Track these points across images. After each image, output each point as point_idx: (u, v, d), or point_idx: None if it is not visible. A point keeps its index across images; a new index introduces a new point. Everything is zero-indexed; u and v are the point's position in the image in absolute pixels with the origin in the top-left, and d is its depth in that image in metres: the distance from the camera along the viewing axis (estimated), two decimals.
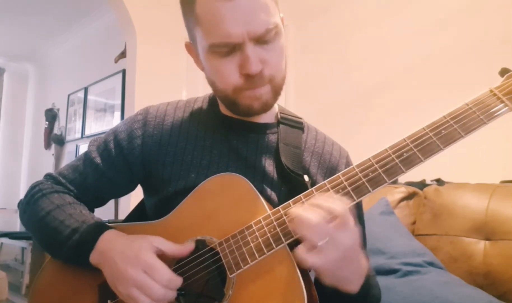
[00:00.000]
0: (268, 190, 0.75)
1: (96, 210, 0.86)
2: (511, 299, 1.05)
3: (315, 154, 0.82)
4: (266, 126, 0.81)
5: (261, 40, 0.67)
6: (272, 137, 0.80)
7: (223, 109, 0.82)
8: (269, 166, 0.77)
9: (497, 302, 0.95)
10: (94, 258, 0.70)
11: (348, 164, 0.84)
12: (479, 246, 1.17)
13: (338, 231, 0.57)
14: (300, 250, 0.58)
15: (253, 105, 0.72)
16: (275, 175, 0.77)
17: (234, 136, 0.79)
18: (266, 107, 0.73)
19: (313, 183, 0.78)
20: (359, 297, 0.65)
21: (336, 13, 2.35)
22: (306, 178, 0.74)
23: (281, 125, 0.81)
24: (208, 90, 0.87)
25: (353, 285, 0.64)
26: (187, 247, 0.67)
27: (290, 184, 0.75)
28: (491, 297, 0.97)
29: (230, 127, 0.80)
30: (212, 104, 0.84)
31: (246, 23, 0.65)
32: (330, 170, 0.82)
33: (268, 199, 0.74)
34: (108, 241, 0.70)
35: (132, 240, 0.68)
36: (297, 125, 0.84)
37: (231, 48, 0.67)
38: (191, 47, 0.78)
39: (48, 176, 0.85)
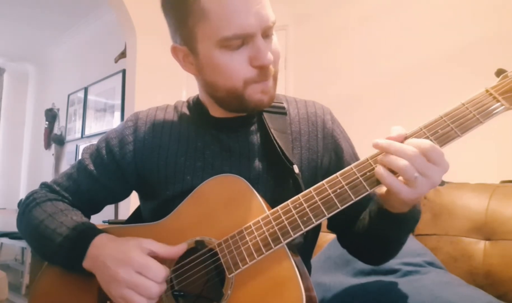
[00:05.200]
0: (265, 180, 0.76)
1: None
2: (511, 299, 1.05)
3: (302, 120, 0.83)
4: (252, 116, 0.81)
5: (267, 32, 0.69)
6: (259, 125, 0.80)
7: (212, 111, 0.81)
8: (262, 155, 0.78)
9: (497, 302, 0.94)
10: (86, 263, 0.70)
11: (333, 119, 0.86)
12: (479, 246, 1.17)
13: (433, 166, 0.59)
14: (394, 180, 0.59)
15: (263, 100, 0.72)
16: (269, 162, 0.77)
17: (224, 135, 0.79)
18: (271, 101, 0.74)
19: (307, 158, 0.79)
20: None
21: (336, 14, 2.35)
22: (296, 169, 0.74)
23: (264, 111, 0.81)
24: None
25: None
26: (180, 248, 0.67)
27: (283, 170, 0.75)
28: (491, 297, 0.96)
29: (219, 127, 0.80)
30: (199, 107, 0.83)
31: (257, 14, 0.66)
32: (319, 129, 0.82)
33: (265, 190, 0.75)
34: (99, 246, 0.69)
35: (122, 243, 0.67)
36: (277, 104, 0.83)
37: (242, 41, 0.67)
38: (178, 50, 0.76)
39: (43, 185, 0.85)
